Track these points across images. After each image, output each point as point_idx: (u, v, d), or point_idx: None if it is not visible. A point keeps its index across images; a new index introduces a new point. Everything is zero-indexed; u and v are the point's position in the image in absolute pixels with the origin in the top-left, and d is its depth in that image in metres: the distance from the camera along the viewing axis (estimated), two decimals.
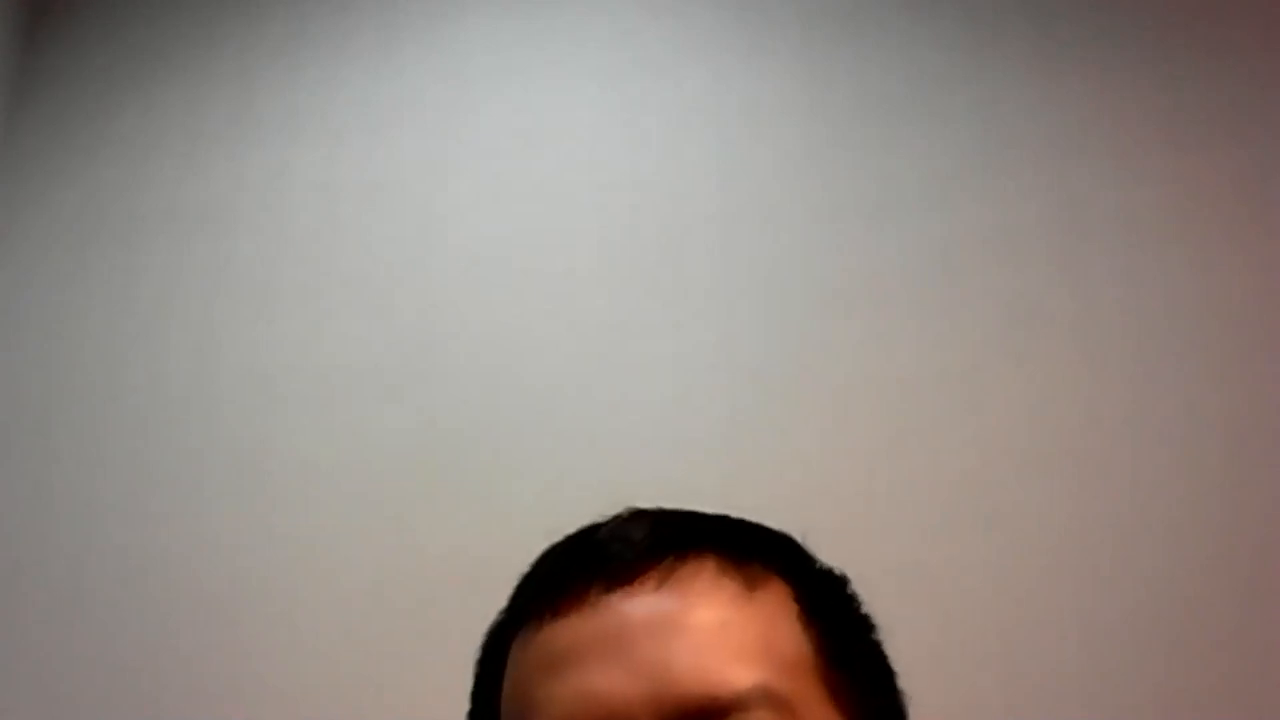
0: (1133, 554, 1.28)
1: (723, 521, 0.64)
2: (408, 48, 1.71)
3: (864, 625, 0.63)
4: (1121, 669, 1.23)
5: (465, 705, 0.65)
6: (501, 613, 0.64)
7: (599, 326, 1.51)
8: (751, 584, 0.59)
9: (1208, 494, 1.28)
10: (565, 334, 1.51)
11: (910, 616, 1.23)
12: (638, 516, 0.63)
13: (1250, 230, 1.37)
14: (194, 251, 1.66)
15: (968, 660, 1.26)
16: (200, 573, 1.48)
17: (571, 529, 0.64)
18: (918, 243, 1.45)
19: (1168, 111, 1.45)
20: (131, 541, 1.51)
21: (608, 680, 0.54)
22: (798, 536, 0.64)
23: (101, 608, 1.49)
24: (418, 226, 1.61)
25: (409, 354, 1.54)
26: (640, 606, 0.57)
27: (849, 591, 0.64)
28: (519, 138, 1.63)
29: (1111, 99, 1.46)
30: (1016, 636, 1.27)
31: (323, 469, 1.50)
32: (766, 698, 0.54)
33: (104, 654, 1.46)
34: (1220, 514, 1.27)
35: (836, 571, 0.64)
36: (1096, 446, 1.33)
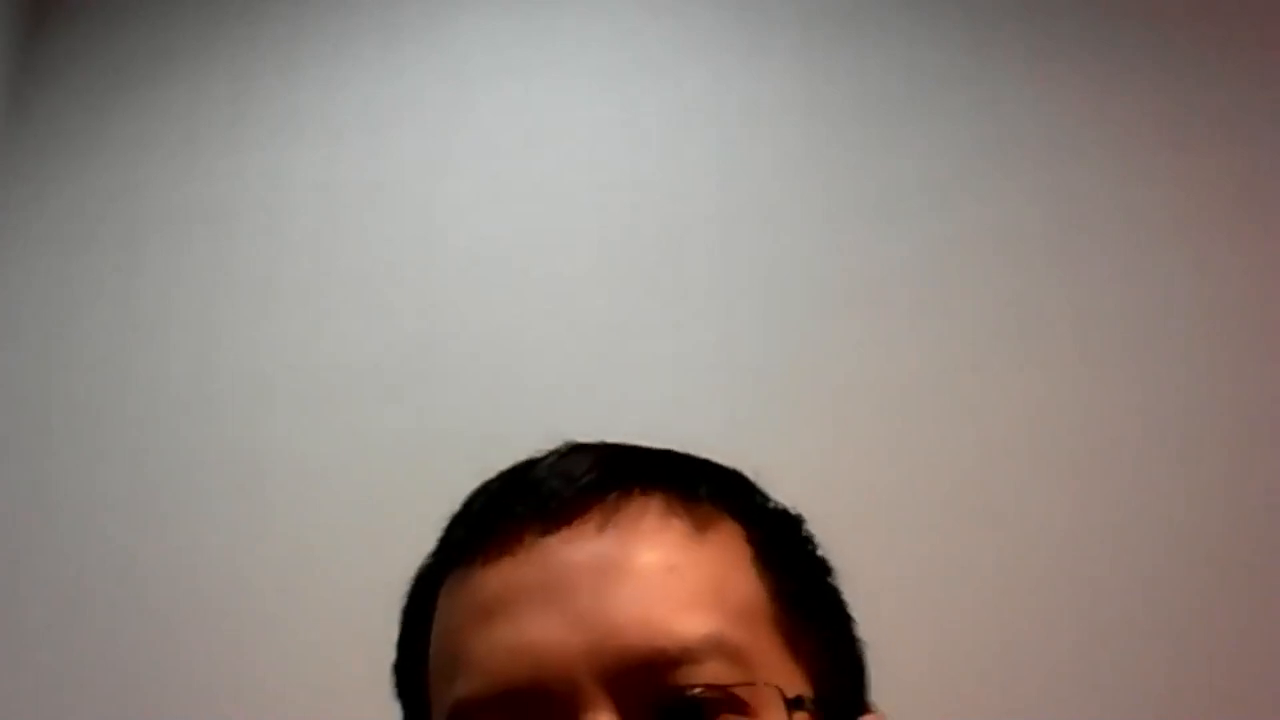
0: (1133, 554, 1.27)
1: (670, 457, 0.60)
2: (408, 48, 1.71)
3: (821, 568, 0.60)
4: (1121, 669, 1.23)
5: None
6: (429, 555, 0.61)
7: (599, 326, 1.50)
8: (702, 524, 0.55)
9: (1208, 494, 1.28)
10: (565, 334, 1.51)
11: (911, 615, 1.24)
12: (579, 450, 0.59)
13: (1250, 230, 1.37)
14: (194, 251, 1.66)
15: (968, 659, 1.26)
16: (200, 572, 1.48)
17: None
18: (918, 243, 1.45)
19: (1168, 111, 1.44)
20: (131, 541, 1.51)
21: (544, 630, 0.50)
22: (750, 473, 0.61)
23: (101, 608, 1.49)
24: (418, 226, 1.61)
25: (409, 354, 1.54)
26: (580, 550, 0.52)
27: (804, 533, 0.60)
28: (519, 138, 1.63)
29: (1111, 99, 1.46)
30: (1016, 636, 1.27)
31: (322, 469, 1.50)
32: (718, 648, 0.50)
33: (104, 654, 1.46)
34: (1220, 514, 1.27)
35: (792, 511, 0.61)
36: (1096, 446, 1.33)
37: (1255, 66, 1.44)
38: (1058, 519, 1.30)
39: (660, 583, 0.52)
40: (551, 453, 0.59)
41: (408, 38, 1.72)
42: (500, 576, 0.53)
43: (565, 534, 0.53)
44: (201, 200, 1.68)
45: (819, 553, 0.60)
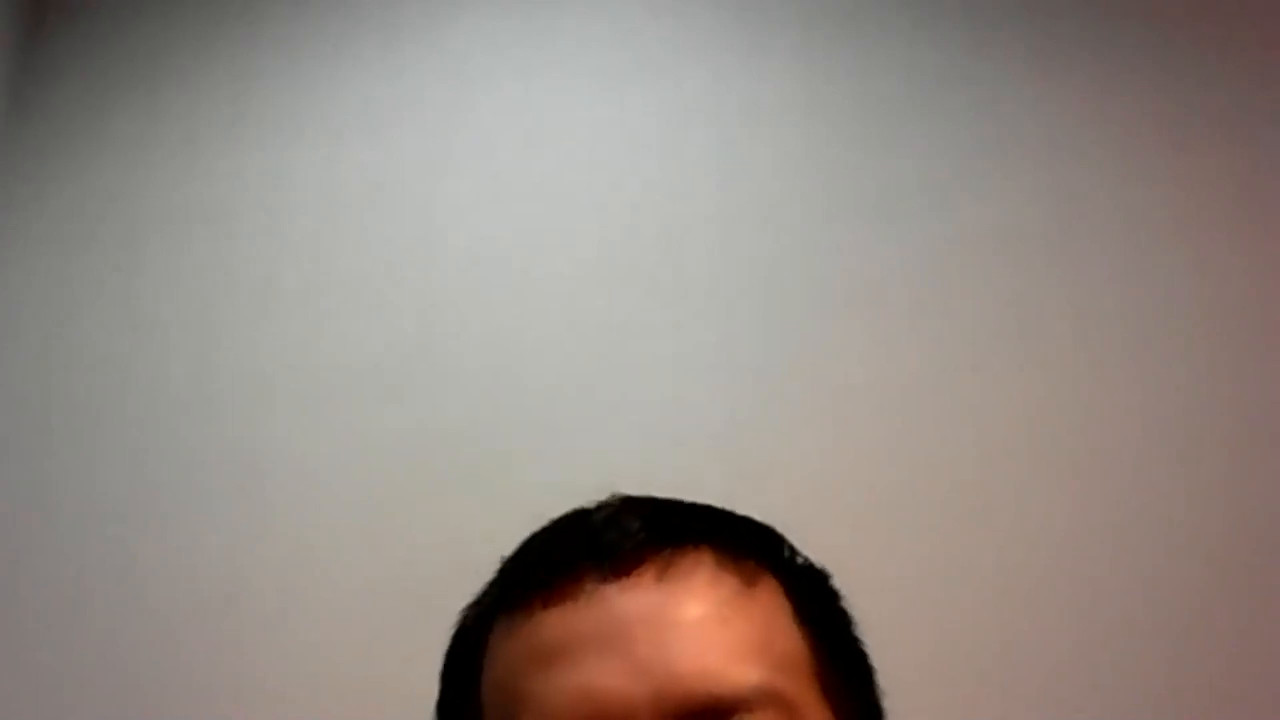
0: (1133, 554, 1.28)
1: (714, 514, 0.63)
2: (408, 48, 1.71)
3: (847, 621, 0.63)
4: (1121, 669, 1.23)
5: None
6: (482, 595, 0.63)
7: (599, 326, 1.51)
8: (748, 580, 0.58)
9: (1208, 494, 1.28)
10: (565, 334, 1.51)
11: (911, 615, 1.24)
12: (630, 505, 0.61)
13: (1250, 230, 1.37)
14: (194, 251, 1.65)
15: (968, 659, 1.26)
16: (200, 572, 1.48)
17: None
18: (918, 243, 1.45)
19: (1168, 111, 1.45)
20: (131, 541, 1.51)
21: (607, 677, 0.53)
22: (780, 530, 0.64)
23: (101, 608, 1.49)
24: (418, 226, 1.61)
25: (409, 354, 1.54)
26: (638, 601, 0.55)
27: (832, 587, 0.63)
28: (519, 138, 1.63)
29: (1111, 99, 1.46)
30: (1016, 636, 1.27)
31: (322, 469, 1.50)
32: (770, 697, 0.53)
33: (104, 654, 1.46)
34: (1220, 514, 1.27)
35: (818, 566, 0.63)
36: (1096, 446, 1.33)
37: (1255, 66, 1.44)
38: (1058, 519, 1.30)
39: (715, 634, 0.55)
40: (603, 505, 0.61)
41: (408, 38, 1.72)
42: (561, 621, 0.55)
43: (623, 584, 0.56)
44: (201, 200, 1.68)
45: (843, 605, 0.63)
